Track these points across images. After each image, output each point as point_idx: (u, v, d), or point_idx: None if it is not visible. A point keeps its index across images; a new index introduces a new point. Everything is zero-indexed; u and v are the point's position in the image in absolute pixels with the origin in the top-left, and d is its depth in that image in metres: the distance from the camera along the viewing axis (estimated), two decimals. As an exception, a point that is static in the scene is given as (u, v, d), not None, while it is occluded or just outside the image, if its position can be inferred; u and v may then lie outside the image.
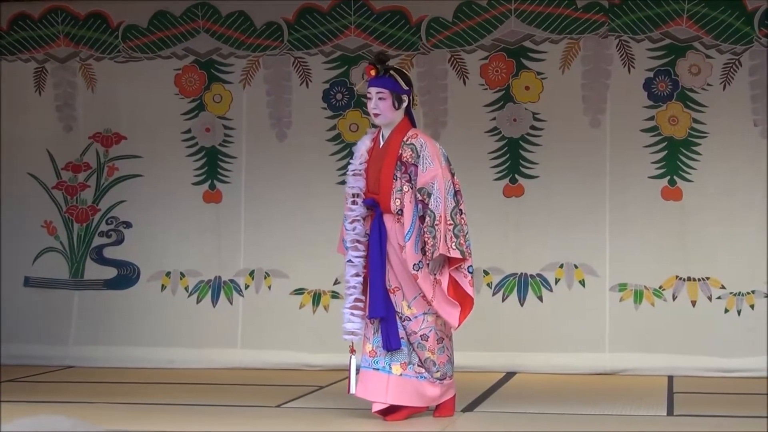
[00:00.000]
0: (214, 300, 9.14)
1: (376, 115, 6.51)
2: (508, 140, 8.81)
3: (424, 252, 6.37)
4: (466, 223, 6.44)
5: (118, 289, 9.29)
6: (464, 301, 6.47)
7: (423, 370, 6.44)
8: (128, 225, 9.34)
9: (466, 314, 6.49)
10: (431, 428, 6.30)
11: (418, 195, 6.39)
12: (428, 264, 6.38)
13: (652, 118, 8.61)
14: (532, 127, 8.78)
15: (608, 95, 8.67)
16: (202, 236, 9.22)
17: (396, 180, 6.43)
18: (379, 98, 6.48)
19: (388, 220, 6.46)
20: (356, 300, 6.46)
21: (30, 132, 9.46)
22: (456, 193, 6.43)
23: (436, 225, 6.31)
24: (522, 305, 8.72)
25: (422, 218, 6.39)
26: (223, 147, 9.20)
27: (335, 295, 8.87)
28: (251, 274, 9.10)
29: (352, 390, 6.51)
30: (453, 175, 6.45)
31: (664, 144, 8.60)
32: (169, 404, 7.24)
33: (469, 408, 6.97)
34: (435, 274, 6.40)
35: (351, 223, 6.50)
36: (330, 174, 8.92)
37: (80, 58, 9.35)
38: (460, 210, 6.42)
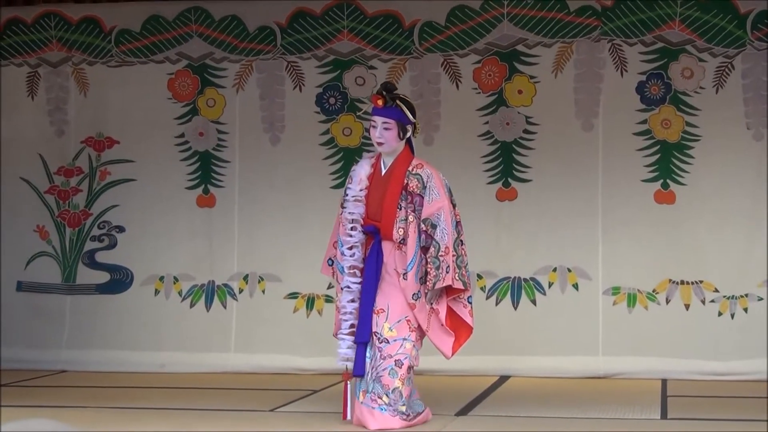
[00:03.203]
0: (208, 304, 9.14)
1: (379, 144, 6.46)
2: (501, 144, 8.81)
3: (422, 282, 6.39)
4: (466, 253, 6.47)
5: (110, 293, 9.28)
6: (459, 331, 6.52)
7: (383, 402, 6.33)
8: (121, 229, 9.33)
9: (461, 344, 6.54)
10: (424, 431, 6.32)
11: (422, 225, 6.39)
12: (426, 293, 6.39)
13: (644, 122, 8.62)
14: (525, 131, 8.78)
15: (601, 99, 8.67)
16: (195, 240, 9.21)
17: (400, 209, 6.42)
18: (385, 128, 6.43)
19: (387, 247, 6.44)
20: (352, 326, 6.43)
21: (22, 136, 9.44)
22: (457, 224, 6.44)
23: (441, 256, 6.33)
24: (515, 309, 8.73)
25: (424, 249, 6.40)
26: (216, 151, 9.20)
27: (329, 299, 8.87)
28: (245, 278, 9.10)
29: (348, 416, 6.45)
30: (454, 206, 6.47)
31: (657, 147, 8.61)
32: (162, 408, 7.24)
33: (463, 412, 6.98)
34: (431, 304, 6.42)
35: (350, 249, 6.45)
36: (323, 178, 8.93)
37: (73, 63, 9.34)
38: (461, 241, 6.45)
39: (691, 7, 8.48)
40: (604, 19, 8.60)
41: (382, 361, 6.35)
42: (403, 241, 6.40)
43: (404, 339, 6.38)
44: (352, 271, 6.45)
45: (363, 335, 6.39)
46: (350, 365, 6.43)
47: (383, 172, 6.52)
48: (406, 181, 6.44)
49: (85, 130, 9.40)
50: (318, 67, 9.03)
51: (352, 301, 6.45)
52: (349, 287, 6.46)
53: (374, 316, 6.40)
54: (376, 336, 6.38)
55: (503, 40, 8.76)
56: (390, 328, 6.38)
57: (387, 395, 6.34)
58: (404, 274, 6.38)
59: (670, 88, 8.59)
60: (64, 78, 9.37)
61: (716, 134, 8.51)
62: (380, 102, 6.43)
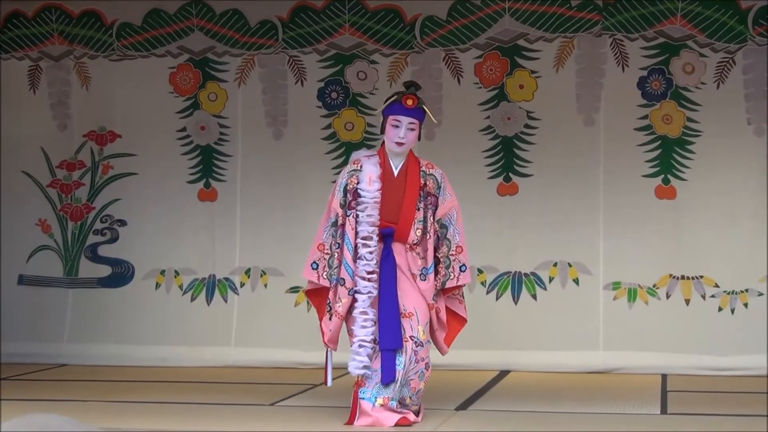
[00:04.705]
0: (209, 298, 9.14)
1: (399, 144, 6.33)
2: (502, 139, 8.81)
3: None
4: None
5: (112, 287, 9.29)
6: (450, 325, 6.52)
7: (401, 407, 6.31)
8: (123, 223, 9.34)
9: (453, 337, 6.55)
10: (424, 426, 6.30)
11: (435, 225, 6.38)
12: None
13: (646, 117, 8.62)
14: (527, 126, 8.78)
15: (602, 94, 8.67)
16: (196, 234, 9.22)
17: (418, 210, 6.35)
18: (410, 129, 6.32)
19: (398, 249, 6.35)
20: (373, 333, 6.27)
21: (24, 130, 9.46)
22: None
23: (452, 255, 6.36)
24: (516, 303, 8.73)
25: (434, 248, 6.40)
26: (218, 145, 9.20)
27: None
28: (247, 272, 9.10)
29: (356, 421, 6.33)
30: None
31: (658, 143, 8.61)
32: (163, 402, 7.24)
33: (463, 406, 6.99)
34: (434, 302, 6.42)
35: (371, 253, 6.27)
36: (325, 173, 8.91)
37: (74, 57, 9.34)
38: None
39: (693, 3, 8.47)
40: (606, 14, 8.60)
41: (416, 364, 6.30)
42: (418, 243, 6.35)
43: (428, 341, 6.37)
44: (371, 275, 6.28)
45: (394, 342, 6.24)
46: (369, 373, 6.26)
47: (395, 172, 6.40)
48: (423, 181, 6.40)
49: (87, 124, 9.41)
50: (319, 62, 9.03)
51: (371, 306, 6.28)
52: (371, 293, 6.27)
53: (405, 320, 6.28)
54: (413, 340, 6.27)
55: (504, 35, 8.75)
56: (423, 331, 6.31)
57: (411, 397, 6.34)
58: (424, 276, 6.33)
59: (672, 84, 8.58)
60: (65, 72, 9.37)
61: (717, 130, 8.50)
62: (410, 102, 6.32)
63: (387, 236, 6.33)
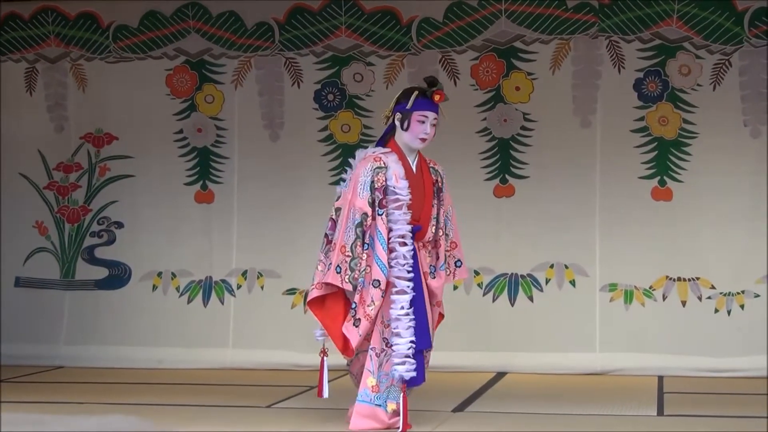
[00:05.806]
0: (205, 300, 9.15)
1: (423, 140, 6.25)
2: (498, 140, 8.82)
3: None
4: None
5: (109, 289, 9.30)
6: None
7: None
8: (120, 225, 9.34)
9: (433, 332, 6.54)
10: (421, 427, 6.31)
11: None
12: None
13: (642, 119, 8.63)
14: (523, 128, 8.79)
15: (598, 96, 8.68)
16: (193, 236, 9.23)
17: (433, 207, 6.34)
18: (433, 124, 6.27)
19: (417, 248, 6.28)
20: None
21: (21, 132, 9.46)
22: None
23: (447, 251, 6.37)
24: (512, 305, 8.73)
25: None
26: (215, 147, 9.21)
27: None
28: (244, 274, 9.11)
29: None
30: None
31: (654, 144, 8.62)
32: (160, 404, 7.24)
33: (460, 408, 6.99)
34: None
35: (410, 252, 6.12)
36: (322, 174, 8.93)
37: (71, 59, 9.35)
38: None
39: (689, 4, 8.48)
40: (602, 16, 8.61)
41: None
42: (430, 240, 6.32)
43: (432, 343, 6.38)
44: (410, 275, 6.14)
45: (428, 342, 6.18)
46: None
47: (413, 169, 6.30)
48: (435, 178, 6.39)
49: (84, 126, 9.41)
50: (316, 64, 9.04)
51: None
52: (413, 293, 6.12)
53: None
54: None
55: (501, 37, 8.77)
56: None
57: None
58: (433, 274, 6.31)
59: (668, 85, 8.59)
60: (62, 74, 9.38)
61: (713, 131, 8.51)
62: (439, 97, 6.25)
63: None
